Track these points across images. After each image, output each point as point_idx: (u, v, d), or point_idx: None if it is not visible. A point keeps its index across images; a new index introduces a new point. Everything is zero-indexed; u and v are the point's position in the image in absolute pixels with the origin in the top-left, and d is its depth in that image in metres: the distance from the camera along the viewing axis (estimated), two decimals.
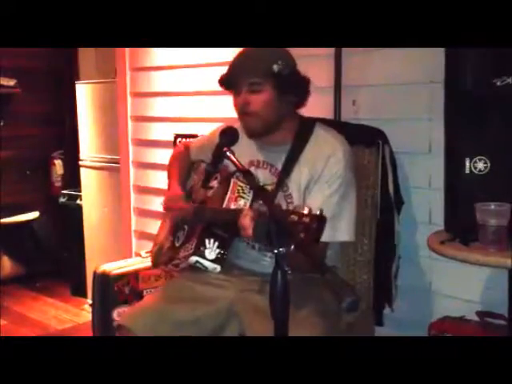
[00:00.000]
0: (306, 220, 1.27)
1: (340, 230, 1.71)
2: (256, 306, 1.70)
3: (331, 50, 2.36)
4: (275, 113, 1.77)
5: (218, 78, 1.83)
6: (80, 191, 4.05)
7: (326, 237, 1.38)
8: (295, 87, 1.78)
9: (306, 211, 1.28)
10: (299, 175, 1.77)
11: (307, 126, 1.84)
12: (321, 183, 1.73)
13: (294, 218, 1.28)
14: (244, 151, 1.78)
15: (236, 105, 1.80)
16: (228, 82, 1.81)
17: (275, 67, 1.72)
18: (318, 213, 1.28)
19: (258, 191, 1.55)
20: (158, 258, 1.98)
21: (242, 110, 1.78)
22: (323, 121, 1.93)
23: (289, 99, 1.79)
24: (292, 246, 1.27)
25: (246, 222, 1.53)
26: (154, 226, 2.11)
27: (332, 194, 1.71)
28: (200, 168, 2.01)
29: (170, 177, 2.04)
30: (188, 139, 2.96)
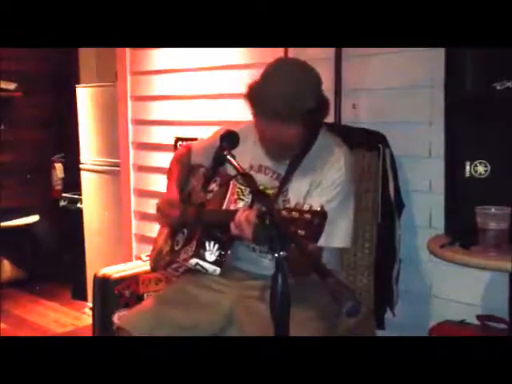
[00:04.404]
0: (308, 216, 1.27)
1: (335, 236, 1.70)
2: (255, 312, 1.69)
3: (331, 54, 2.36)
4: (298, 141, 1.76)
5: (250, 96, 1.73)
6: (80, 195, 4.05)
7: (320, 241, 1.37)
8: (321, 119, 1.79)
9: (306, 208, 1.28)
10: (300, 181, 1.78)
11: (312, 134, 1.83)
12: (320, 189, 1.74)
13: (296, 214, 1.28)
14: (246, 156, 1.79)
15: (262, 130, 1.76)
16: (257, 108, 1.74)
17: (311, 108, 1.68)
18: (318, 209, 1.28)
19: (257, 193, 1.55)
20: (157, 263, 1.99)
21: (267, 137, 1.76)
22: (324, 124, 1.93)
23: (312, 128, 1.78)
24: (292, 245, 1.26)
25: (242, 220, 1.54)
26: (155, 230, 2.11)
27: (330, 200, 1.71)
28: (199, 172, 2.02)
29: (169, 178, 2.04)
30: (189, 142, 2.96)
